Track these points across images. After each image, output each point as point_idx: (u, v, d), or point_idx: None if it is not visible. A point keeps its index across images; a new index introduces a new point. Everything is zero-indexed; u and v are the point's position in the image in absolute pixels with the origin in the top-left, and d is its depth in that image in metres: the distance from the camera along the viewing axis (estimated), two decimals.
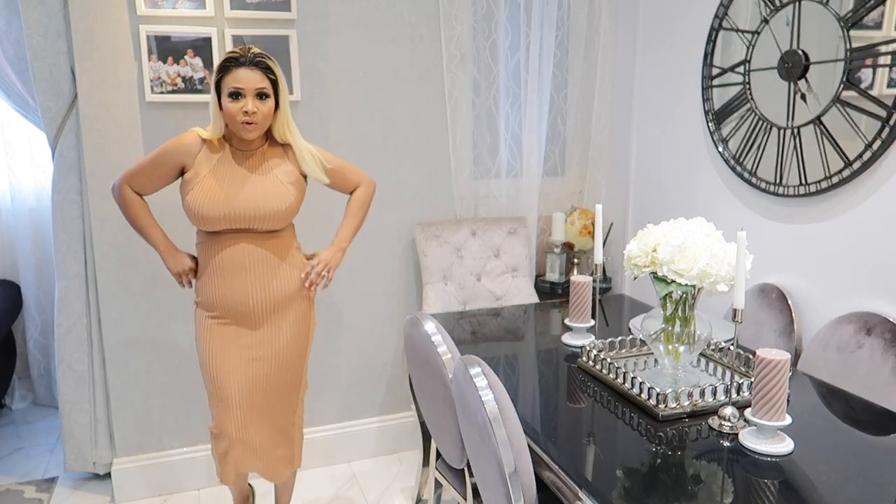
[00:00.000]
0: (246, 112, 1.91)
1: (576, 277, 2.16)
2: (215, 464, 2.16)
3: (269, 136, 2.06)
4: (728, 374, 1.87)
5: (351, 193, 2.24)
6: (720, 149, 2.50)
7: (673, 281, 1.67)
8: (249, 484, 2.39)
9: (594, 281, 2.14)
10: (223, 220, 1.97)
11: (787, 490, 1.39)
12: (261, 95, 1.93)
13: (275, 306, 2.07)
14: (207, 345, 2.06)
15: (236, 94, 1.91)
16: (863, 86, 1.97)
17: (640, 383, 1.73)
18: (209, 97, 2.52)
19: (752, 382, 1.65)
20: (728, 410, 1.61)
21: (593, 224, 3.05)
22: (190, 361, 2.68)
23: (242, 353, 2.06)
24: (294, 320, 2.12)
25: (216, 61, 2.51)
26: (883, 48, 1.91)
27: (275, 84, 1.96)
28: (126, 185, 2.04)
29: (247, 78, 1.90)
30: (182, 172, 2.02)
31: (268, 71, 1.94)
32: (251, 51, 1.94)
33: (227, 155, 2.01)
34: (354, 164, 2.25)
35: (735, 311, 1.62)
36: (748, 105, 2.37)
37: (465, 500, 1.92)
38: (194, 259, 2.11)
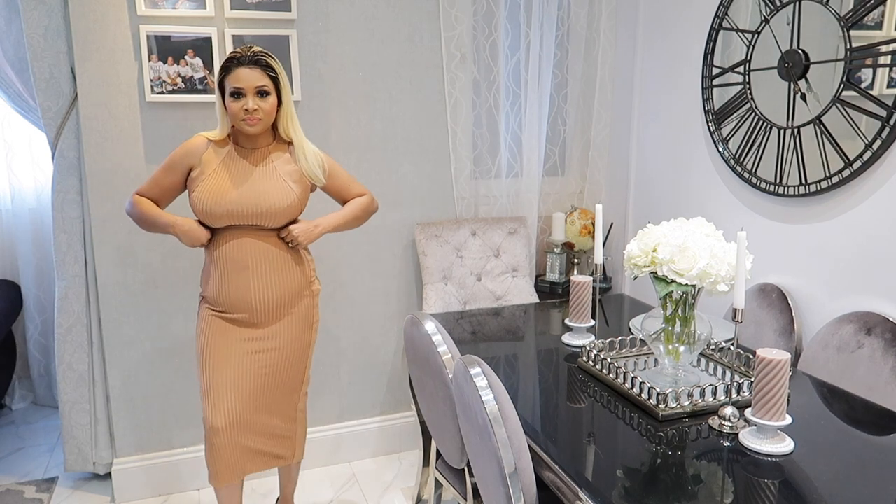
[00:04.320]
0: (246, 110, 1.98)
1: (576, 277, 2.16)
2: (207, 467, 2.10)
3: (275, 135, 2.13)
4: (728, 373, 1.87)
5: None
6: (720, 149, 2.50)
7: (673, 281, 1.67)
8: None
9: (594, 281, 2.14)
10: (227, 215, 2.02)
11: (787, 490, 1.39)
12: (261, 93, 1.99)
13: (278, 304, 2.12)
14: (206, 337, 2.10)
15: (237, 93, 1.98)
16: (863, 86, 1.97)
17: (641, 383, 1.73)
18: (209, 97, 2.56)
19: (752, 382, 1.65)
20: (728, 410, 1.61)
21: (593, 224, 3.05)
22: (190, 361, 2.68)
23: (244, 345, 2.10)
24: (298, 317, 2.17)
25: (216, 61, 2.52)
26: (883, 48, 1.91)
27: (276, 81, 2.02)
28: (137, 194, 2.12)
29: (247, 77, 1.97)
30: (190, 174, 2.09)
31: (268, 69, 2.00)
32: (251, 49, 2.00)
33: (232, 153, 2.08)
34: (358, 174, 2.28)
35: (735, 310, 1.62)
36: (748, 105, 2.37)
37: (465, 500, 1.92)
38: (207, 228, 2.08)
